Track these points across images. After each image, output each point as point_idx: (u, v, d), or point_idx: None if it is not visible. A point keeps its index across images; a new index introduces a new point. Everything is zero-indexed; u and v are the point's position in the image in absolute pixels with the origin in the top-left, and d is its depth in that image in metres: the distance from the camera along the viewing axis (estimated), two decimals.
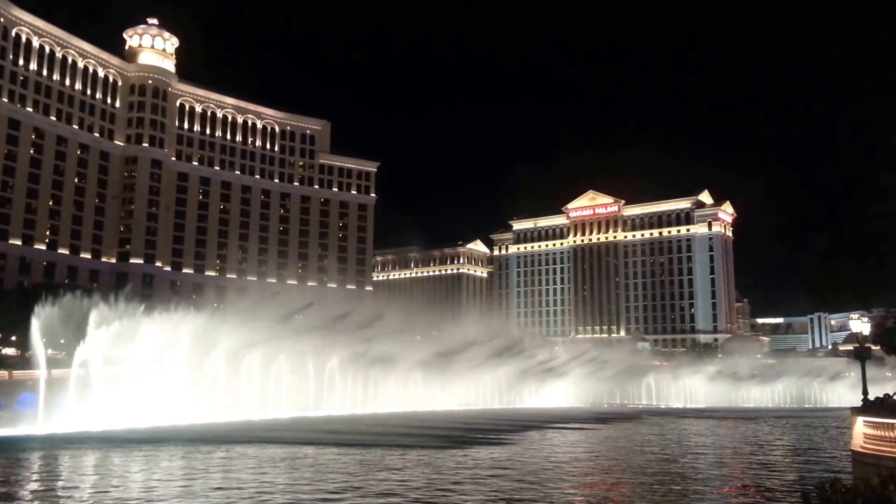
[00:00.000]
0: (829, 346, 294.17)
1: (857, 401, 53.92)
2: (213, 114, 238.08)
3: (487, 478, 44.26)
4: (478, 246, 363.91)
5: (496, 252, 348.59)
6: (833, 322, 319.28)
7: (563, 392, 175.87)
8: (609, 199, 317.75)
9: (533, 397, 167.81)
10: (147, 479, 43.06)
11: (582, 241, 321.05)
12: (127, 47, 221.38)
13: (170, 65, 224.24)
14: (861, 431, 38.35)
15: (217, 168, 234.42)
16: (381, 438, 68.96)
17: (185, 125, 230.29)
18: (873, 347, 60.24)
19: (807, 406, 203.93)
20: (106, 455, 53.61)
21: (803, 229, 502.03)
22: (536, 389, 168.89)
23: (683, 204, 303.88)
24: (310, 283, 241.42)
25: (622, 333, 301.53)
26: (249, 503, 35.71)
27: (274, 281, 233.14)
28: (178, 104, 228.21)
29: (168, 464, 50.40)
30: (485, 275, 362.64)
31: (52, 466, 48.74)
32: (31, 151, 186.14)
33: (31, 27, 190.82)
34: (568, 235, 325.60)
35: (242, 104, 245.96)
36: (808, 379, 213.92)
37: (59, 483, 41.59)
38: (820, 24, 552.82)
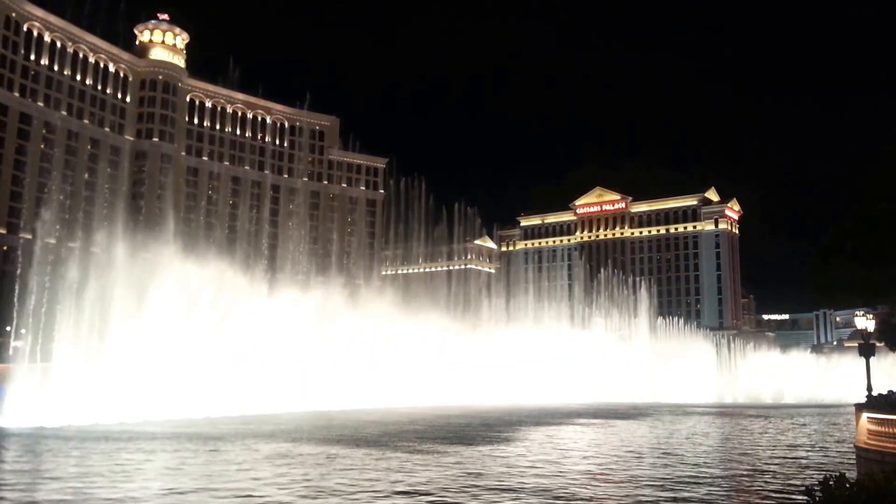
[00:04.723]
0: (834, 343, 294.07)
1: (861, 397, 54.51)
2: (223, 109, 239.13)
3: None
4: (486, 242, 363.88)
5: (504, 248, 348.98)
6: (838, 318, 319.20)
7: (562, 388, 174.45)
8: (616, 196, 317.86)
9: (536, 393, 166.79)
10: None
11: (589, 237, 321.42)
12: (137, 43, 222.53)
13: (180, 60, 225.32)
14: (865, 427, 38.81)
15: (226, 163, 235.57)
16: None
17: (195, 120, 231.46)
18: (878, 344, 60.77)
19: (812, 402, 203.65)
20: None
21: (807, 227, 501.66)
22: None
23: (690, 201, 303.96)
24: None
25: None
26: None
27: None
28: (188, 99, 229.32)
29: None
30: (492, 270, 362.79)
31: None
32: (42, 146, 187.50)
33: (43, 22, 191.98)
34: (575, 232, 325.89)
35: (252, 100, 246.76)
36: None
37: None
38: (822, 19, 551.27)
